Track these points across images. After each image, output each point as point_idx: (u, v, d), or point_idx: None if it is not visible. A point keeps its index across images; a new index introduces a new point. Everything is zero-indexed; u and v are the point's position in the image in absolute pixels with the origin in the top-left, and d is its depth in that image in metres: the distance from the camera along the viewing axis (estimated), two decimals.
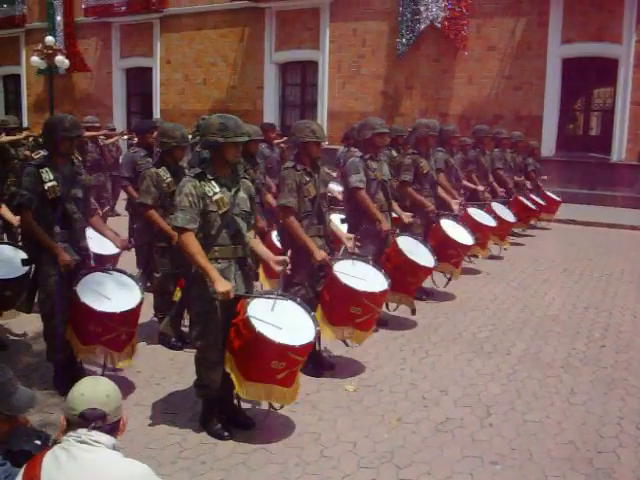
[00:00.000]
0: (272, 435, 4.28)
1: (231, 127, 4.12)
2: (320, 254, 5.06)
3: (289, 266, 4.48)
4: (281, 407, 4.35)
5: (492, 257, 9.82)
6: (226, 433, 4.26)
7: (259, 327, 3.93)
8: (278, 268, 4.44)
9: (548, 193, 13.43)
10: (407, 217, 6.82)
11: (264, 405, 4.44)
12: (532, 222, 12.46)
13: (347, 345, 5.49)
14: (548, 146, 17.08)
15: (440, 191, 8.04)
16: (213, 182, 4.16)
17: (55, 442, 2.40)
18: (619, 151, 16.53)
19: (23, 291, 5.20)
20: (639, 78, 16.06)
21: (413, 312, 6.63)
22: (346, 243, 5.55)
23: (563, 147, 17.12)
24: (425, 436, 4.35)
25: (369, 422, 4.53)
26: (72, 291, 4.63)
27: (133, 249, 6.36)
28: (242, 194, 4.30)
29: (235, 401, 4.37)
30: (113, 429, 2.40)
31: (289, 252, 4.92)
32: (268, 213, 7.18)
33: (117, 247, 5.60)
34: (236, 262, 4.23)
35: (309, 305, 4.54)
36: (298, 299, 4.49)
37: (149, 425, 4.42)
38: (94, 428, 2.32)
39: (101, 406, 2.34)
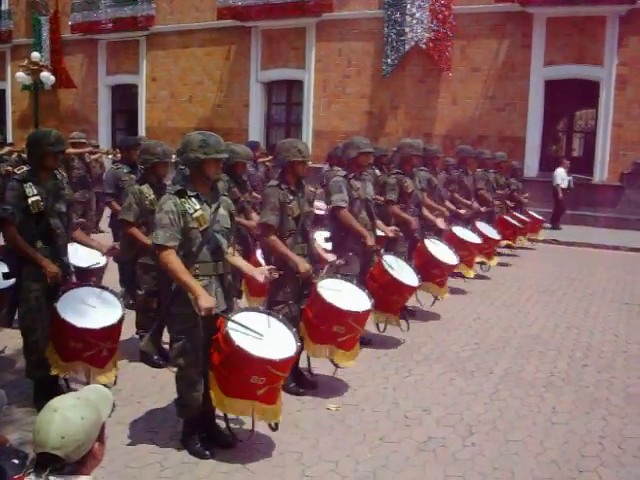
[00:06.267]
0: (253, 454, 4.24)
1: (212, 143, 4.12)
2: (304, 266, 5.07)
3: (275, 274, 4.47)
4: (276, 426, 4.26)
5: (476, 276, 9.85)
6: (207, 452, 4.22)
7: (238, 341, 3.91)
8: (262, 278, 4.38)
9: (531, 212, 13.57)
10: (391, 231, 6.84)
11: (248, 425, 4.37)
12: (519, 241, 12.50)
13: (337, 367, 5.44)
14: (531, 167, 17.27)
15: (424, 210, 8.08)
16: (193, 199, 4.15)
17: (33, 461, 2.35)
18: (601, 172, 16.74)
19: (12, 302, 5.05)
20: (620, 100, 16.33)
21: (407, 325, 6.77)
22: (329, 258, 5.58)
23: (546, 168, 17.29)
24: (407, 455, 4.33)
25: (351, 441, 4.51)
26: (52, 308, 4.59)
27: (116, 265, 6.31)
28: (222, 211, 4.29)
29: (222, 420, 4.32)
30: (80, 463, 2.13)
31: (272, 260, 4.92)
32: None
33: (104, 254, 5.42)
34: (217, 279, 4.22)
35: (292, 323, 4.53)
36: (280, 316, 4.48)
37: (129, 444, 4.36)
38: (52, 472, 2.08)
39: (54, 450, 2.05)
